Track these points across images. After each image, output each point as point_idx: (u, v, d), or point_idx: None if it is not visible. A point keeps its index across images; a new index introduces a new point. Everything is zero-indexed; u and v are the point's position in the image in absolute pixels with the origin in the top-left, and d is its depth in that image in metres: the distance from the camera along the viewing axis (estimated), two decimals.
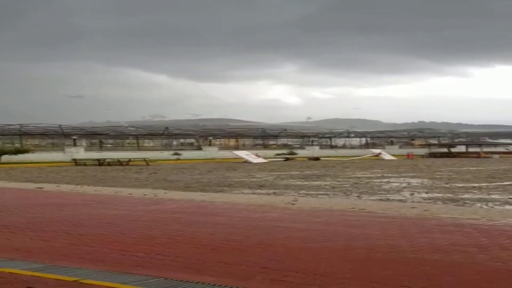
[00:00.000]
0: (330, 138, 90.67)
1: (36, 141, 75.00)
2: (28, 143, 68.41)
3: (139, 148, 69.32)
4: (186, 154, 59.98)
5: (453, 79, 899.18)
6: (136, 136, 74.32)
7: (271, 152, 65.44)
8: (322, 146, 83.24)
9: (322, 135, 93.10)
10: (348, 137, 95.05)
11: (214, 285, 5.95)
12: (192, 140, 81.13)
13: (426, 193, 18.71)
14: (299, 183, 22.75)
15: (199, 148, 68.81)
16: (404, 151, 77.54)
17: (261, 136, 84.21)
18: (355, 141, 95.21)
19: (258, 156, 55.14)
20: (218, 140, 79.82)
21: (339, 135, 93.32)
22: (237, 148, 70.78)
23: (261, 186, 20.70)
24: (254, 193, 17.75)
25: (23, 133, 64.36)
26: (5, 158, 45.43)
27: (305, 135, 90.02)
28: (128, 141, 78.75)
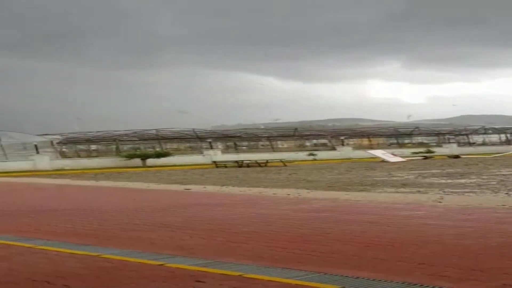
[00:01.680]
0: (467, 135, 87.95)
1: (175, 145, 77.73)
2: (168, 147, 70.97)
3: (274, 149, 70.14)
4: (321, 154, 60.09)
5: None
6: (269, 138, 75.29)
7: (407, 151, 64.39)
8: (460, 144, 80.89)
9: (458, 132, 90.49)
10: (485, 133, 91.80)
11: (374, 280, 6.08)
12: (325, 141, 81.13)
13: None
14: (443, 181, 22.32)
15: (333, 148, 68.71)
16: None
17: (394, 135, 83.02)
18: (494, 137, 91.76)
19: (394, 155, 54.40)
20: (351, 140, 79.37)
21: (475, 132, 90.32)
22: (371, 147, 70.11)
23: (404, 185, 20.50)
24: (397, 192, 17.62)
25: (160, 137, 66.77)
26: (149, 161, 47.39)
27: (440, 132, 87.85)
28: (261, 143, 79.92)
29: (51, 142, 54.33)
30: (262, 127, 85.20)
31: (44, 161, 45.22)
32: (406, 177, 25.56)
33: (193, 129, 68.70)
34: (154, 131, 66.56)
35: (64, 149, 65.00)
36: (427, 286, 5.78)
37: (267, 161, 44.28)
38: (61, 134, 64.14)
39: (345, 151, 61.83)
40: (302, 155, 58.57)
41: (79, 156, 63.31)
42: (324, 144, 79.14)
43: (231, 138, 73.32)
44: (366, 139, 79.44)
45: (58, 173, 38.86)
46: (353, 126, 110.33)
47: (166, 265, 6.99)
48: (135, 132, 66.35)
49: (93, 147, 76.78)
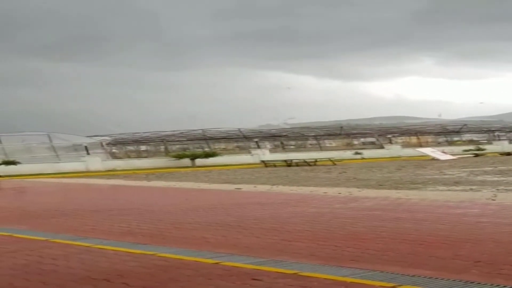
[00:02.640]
0: None
1: (222, 145, 78.12)
2: (216, 147, 71.32)
3: (321, 148, 69.90)
4: (369, 153, 59.59)
5: None
6: (316, 137, 75.06)
7: (457, 149, 63.50)
8: (511, 141, 79.38)
9: (508, 129, 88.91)
10: None
11: (431, 278, 6.08)
12: (373, 139, 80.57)
13: None
14: (496, 178, 21.99)
15: (381, 146, 68.15)
16: None
17: (442, 132, 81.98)
18: None
19: (445, 152, 53.73)
20: (399, 138, 78.62)
21: None
22: (420, 145, 69.32)
23: (456, 183, 20.27)
24: (449, 190, 17.45)
25: (207, 137, 67.11)
26: (198, 161, 47.65)
27: (489, 129, 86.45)
28: (309, 142, 79.71)
29: (101, 143, 55.06)
30: (288, 127, 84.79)
31: (96, 162, 45.89)
32: (457, 175, 25.25)
33: (239, 129, 68.91)
34: (200, 131, 66.96)
35: (114, 150, 65.89)
36: (485, 284, 5.76)
37: (315, 160, 44.12)
38: (109, 135, 65.04)
39: (394, 150, 61.21)
40: (350, 153, 58.19)
41: (129, 157, 64.03)
42: (372, 143, 78.59)
43: (277, 138, 73.35)
44: (414, 137, 78.57)
45: (110, 173, 39.40)
46: (399, 124, 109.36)
47: (222, 263, 7.09)
48: (181, 133, 66.87)
49: (142, 147, 77.72)
